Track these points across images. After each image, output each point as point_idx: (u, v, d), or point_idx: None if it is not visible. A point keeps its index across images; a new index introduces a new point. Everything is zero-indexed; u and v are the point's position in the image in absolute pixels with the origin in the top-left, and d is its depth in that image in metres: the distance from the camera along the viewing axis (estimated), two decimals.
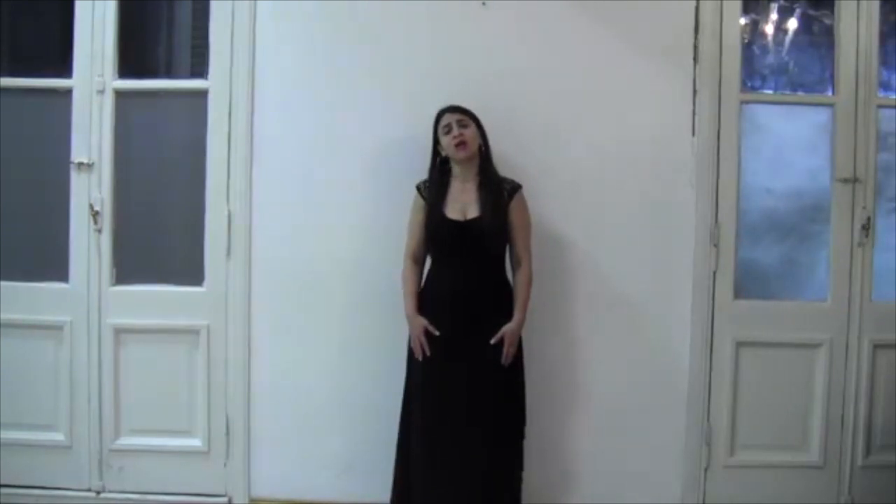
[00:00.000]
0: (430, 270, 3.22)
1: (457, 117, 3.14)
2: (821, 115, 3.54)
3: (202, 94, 3.52)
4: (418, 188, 3.22)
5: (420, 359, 3.12)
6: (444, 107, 3.18)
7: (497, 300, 3.14)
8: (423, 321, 3.11)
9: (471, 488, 3.05)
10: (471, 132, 3.13)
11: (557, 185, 3.45)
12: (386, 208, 3.44)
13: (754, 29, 3.63)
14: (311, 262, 3.52)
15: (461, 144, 3.11)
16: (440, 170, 3.21)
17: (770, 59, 3.66)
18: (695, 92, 3.46)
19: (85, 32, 3.51)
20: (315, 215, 3.52)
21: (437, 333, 3.09)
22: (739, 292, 3.52)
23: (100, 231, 3.54)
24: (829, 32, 3.52)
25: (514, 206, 3.16)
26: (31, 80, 3.57)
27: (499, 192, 3.15)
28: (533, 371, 3.28)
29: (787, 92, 3.65)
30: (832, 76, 3.52)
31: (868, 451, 3.52)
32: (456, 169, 3.19)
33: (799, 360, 3.52)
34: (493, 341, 3.08)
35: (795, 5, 3.64)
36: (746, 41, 3.58)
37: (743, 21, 3.54)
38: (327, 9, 3.48)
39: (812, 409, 3.52)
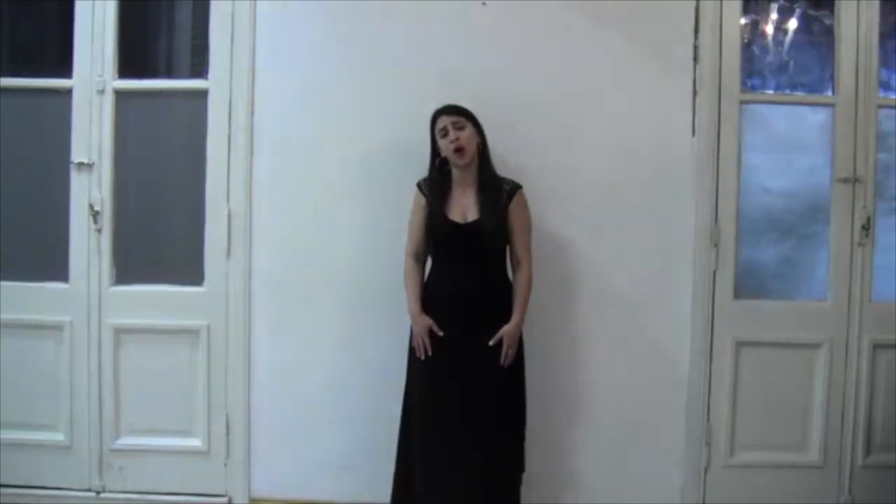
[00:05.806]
0: (432, 270, 3.21)
1: (452, 119, 3.11)
2: (821, 115, 3.54)
3: (202, 94, 3.52)
4: (419, 185, 3.21)
5: (422, 358, 3.12)
6: (440, 107, 3.15)
7: (498, 301, 3.13)
8: (428, 321, 3.10)
9: (471, 489, 3.04)
10: (467, 134, 3.10)
11: (557, 185, 3.45)
12: (385, 208, 3.43)
13: (754, 29, 3.63)
14: (311, 261, 3.52)
15: (459, 150, 3.09)
16: (440, 169, 3.19)
17: (770, 58, 3.66)
18: (695, 92, 3.46)
19: (85, 32, 3.51)
20: (315, 215, 3.52)
21: (441, 333, 3.09)
22: (739, 292, 3.52)
23: (100, 231, 3.54)
24: (829, 32, 3.52)
25: (513, 206, 3.14)
26: (31, 80, 3.57)
27: (498, 194, 3.14)
28: (533, 371, 3.28)
29: (788, 92, 3.65)
30: (832, 76, 3.52)
31: (868, 451, 3.52)
32: (455, 171, 3.18)
33: (799, 360, 3.52)
34: (491, 343, 3.07)
35: (795, 5, 3.64)
36: (746, 41, 3.58)
37: (743, 21, 3.53)
38: (327, 9, 3.48)
39: (812, 409, 3.52)
